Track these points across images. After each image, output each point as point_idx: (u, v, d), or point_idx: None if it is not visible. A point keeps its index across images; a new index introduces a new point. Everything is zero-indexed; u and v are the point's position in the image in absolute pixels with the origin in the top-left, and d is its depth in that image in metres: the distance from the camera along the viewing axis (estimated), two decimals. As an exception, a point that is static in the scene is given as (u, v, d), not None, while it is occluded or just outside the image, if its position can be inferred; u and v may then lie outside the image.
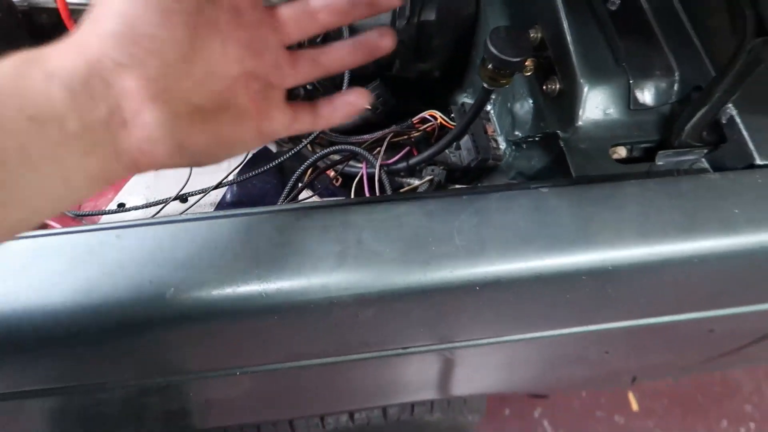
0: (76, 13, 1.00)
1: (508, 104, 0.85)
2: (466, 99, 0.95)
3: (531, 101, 0.80)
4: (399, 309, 0.54)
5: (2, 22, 0.84)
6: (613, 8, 0.67)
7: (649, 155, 0.65)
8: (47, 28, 1.04)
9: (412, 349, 0.62)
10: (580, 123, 0.65)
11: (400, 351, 0.62)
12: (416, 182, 0.84)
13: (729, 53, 0.54)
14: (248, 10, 0.38)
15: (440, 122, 0.87)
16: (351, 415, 0.88)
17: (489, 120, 0.87)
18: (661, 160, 0.63)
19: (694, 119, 0.59)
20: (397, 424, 0.93)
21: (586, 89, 0.64)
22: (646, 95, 0.65)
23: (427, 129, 0.88)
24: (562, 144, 0.64)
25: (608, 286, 0.57)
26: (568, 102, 0.67)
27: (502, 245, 0.53)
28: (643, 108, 0.65)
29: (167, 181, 0.84)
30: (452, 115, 0.87)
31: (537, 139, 0.77)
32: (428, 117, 0.88)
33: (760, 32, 0.47)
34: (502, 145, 0.87)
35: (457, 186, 0.83)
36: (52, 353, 0.50)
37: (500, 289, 0.54)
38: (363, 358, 0.62)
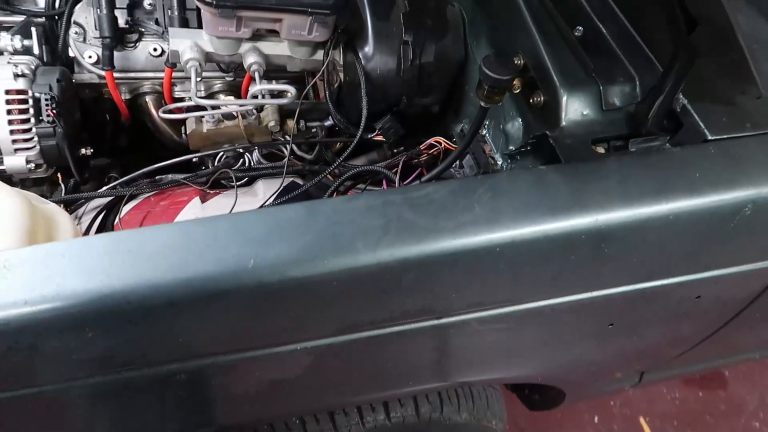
0: (118, 87, 1.16)
1: (501, 126, 1.00)
2: (464, 126, 1.10)
3: (520, 120, 0.95)
4: (434, 272, 0.65)
5: (65, 90, 0.99)
6: (579, 34, 0.83)
7: (623, 148, 0.79)
8: (88, 101, 1.19)
9: (446, 320, 0.73)
10: (563, 123, 0.79)
11: (435, 321, 0.73)
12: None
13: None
14: None
15: (444, 146, 1.02)
16: (387, 413, 0.96)
17: (485, 142, 1.02)
18: (634, 147, 0.77)
19: (653, 110, 0.74)
20: (429, 423, 1.01)
21: (565, 97, 0.79)
22: (614, 98, 0.80)
23: (434, 153, 1.03)
24: (551, 141, 0.78)
25: (604, 245, 0.69)
26: (552, 109, 0.81)
27: (513, 213, 0.65)
28: (613, 108, 0.80)
29: (212, 213, 0.97)
30: (454, 139, 1.02)
31: (528, 147, 0.91)
32: (434, 143, 1.02)
33: (691, 29, 0.62)
34: (500, 161, 1.01)
35: None
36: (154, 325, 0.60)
37: (516, 251, 0.65)
38: (403, 330, 0.72)
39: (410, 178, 1.00)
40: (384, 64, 0.97)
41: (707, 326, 0.95)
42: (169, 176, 1.05)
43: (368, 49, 0.96)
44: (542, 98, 0.83)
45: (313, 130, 1.07)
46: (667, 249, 0.73)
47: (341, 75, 1.03)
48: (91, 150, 1.06)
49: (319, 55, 1.02)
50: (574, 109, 0.80)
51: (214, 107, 0.94)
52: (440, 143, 1.02)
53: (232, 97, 0.96)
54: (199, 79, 1.14)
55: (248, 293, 0.60)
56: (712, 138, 0.72)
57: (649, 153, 0.72)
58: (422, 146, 1.03)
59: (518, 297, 0.73)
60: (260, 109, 1.01)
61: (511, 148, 0.97)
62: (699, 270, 0.79)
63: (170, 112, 0.92)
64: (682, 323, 0.92)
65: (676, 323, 0.92)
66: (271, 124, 0.99)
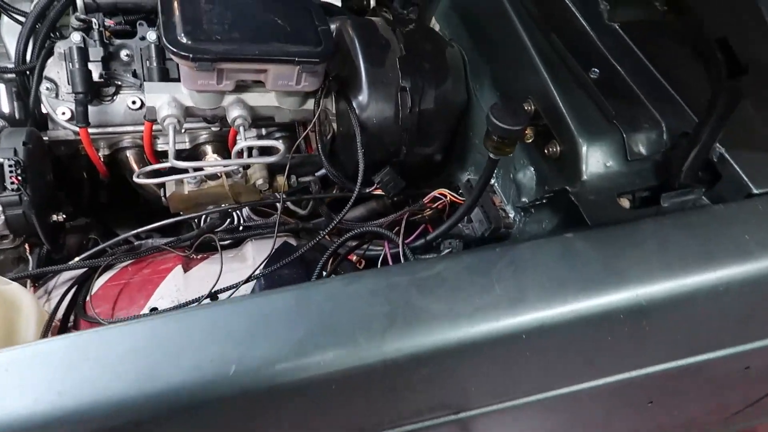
0: (94, 142, 1.08)
1: (511, 175, 0.91)
2: (470, 176, 1.01)
3: (532, 168, 0.86)
4: (450, 365, 0.55)
5: (34, 152, 0.91)
6: (595, 76, 0.75)
7: (653, 200, 0.71)
8: (65, 158, 1.11)
9: (465, 414, 0.63)
10: (585, 177, 0.71)
11: (452, 417, 0.62)
12: (433, 256, 0.87)
13: (706, 98, 0.60)
14: None
15: (450, 199, 0.93)
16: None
17: (495, 192, 0.93)
18: (666, 202, 0.68)
19: (688, 161, 0.65)
20: None
21: (585, 147, 0.71)
22: (640, 146, 0.71)
23: (439, 206, 0.94)
24: (573, 198, 0.69)
25: (645, 322, 0.59)
26: (570, 161, 0.73)
27: (540, 291, 0.56)
28: (639, 158, 0.71)
29: (196, 283, 0.87)
30: (460, 191, 0.93)
31: (544, 201, 0.82)
32: (439, 195, 0.93)
33: (732, 73, 0.54)
34: (511, 213, 0.92)
35: None
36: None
37: (545, 335, 0.56)
38: (414, 429, 0.62)
39: (413, 236, 0.91)
40: (380, 113, 0.89)
41: (754, 393, 0.85)
42: (149, 242, 0.95)
43: (362, 97, 0.88)
44: (558, 148, 0.75)
45: (305, 185, 0.98)
46: (715, 321, 0.64)
47: (334, 125, 0.95)
48: (64, 216, 0.97)
49: (310, 104, 0.94)
50: (596, 160, 0.71)
51: (195, 169, 0.85)
52: (445, 196, 0.93)
53: (215, 156, 0.88)
54: (183, 131, 1.06)
55: (230, 405, 0.50)
56: (758, 192, 0.64)
57: (689, 212, 0.63)
58: (426, 199, 0.94)
59: (547, 384, 0.63)
60: (247, 166, 0.92)
61: (524, 200, 0.88)
62: (749, 340, 0.70)
63: (148, 174, 0.83)
64: (727, 394, 0.82)
65: (721, 394, 0.81)
66: (259, 182, 0.90)
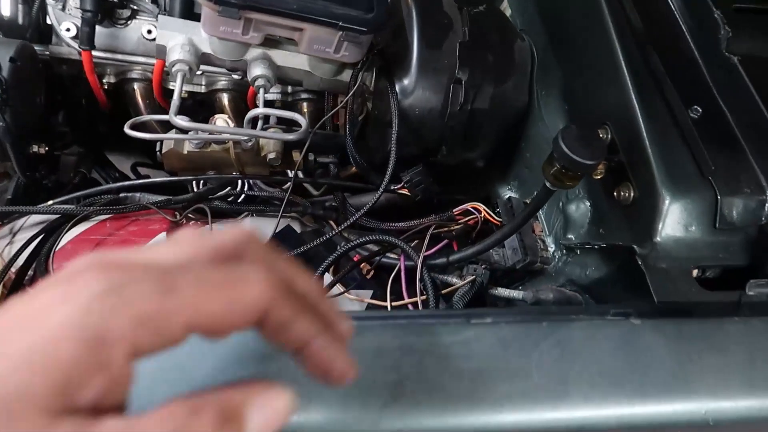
0: (99, 66, 0.96)
1: (561, 203, 0.78)
2: (511, 193, 0.88)
3: (588, 203, 0.73)
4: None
5: (22, 71, 0.78)
6: (695, 116, 0.61)
7: (734, 280, 0.58)
8: (66, 78, 0.99)
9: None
10: (658, 239, 0.58)
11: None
12: (457, 281, 0.75)
13: None
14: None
15: (485, 216, 0.80)
16: None
17: (536, 218, 0.80)
18: (753, 290, 0.55)
19: (796, 247, 0.52)
20: None
21: (668, 201, 0.58)
22: (734, 213, 0.58)
23: (469, 222, 0.81)
24: (639, 261, 0.57)
25: (705, 442, 0.47)
26: (645, 213, 0.59)
27: (587, 386, 0.44)
28: (729, 227, 0.58)
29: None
30: (497, 209, 0.80)
31: (596, 247, 0.69)
32: (471, 210, 0.81)
33: None
34: (551, 248, 0.79)
35: (534, 306, 0.72)
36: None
37: (582, 439, 0.44)
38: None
39: (434, 249, 0.79)
40: (425, 103, 0.75)
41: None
42: (137, 196, 0.84)
43: (408, 81, 0.74)
44: (632, 194, 0.61)
45: (323, 165, 0.86)
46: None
47: (369, 105, 0.82)
48: (46, 148, 0.86)
49: (346, 75, 0.80)
50: (677, 221, 0.58)
51: (196, 131, 0.73)
52: (480, 211, 0.81)
53: (226, 117, 0.75)
54: (199, 72, 0.93)
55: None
56: None
57: (790, 319, 0.50)
58: (456, 210, 0.81)
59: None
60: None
61: (570, 236, 0.75)
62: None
63: (139, 127, 0.70)
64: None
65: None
66: (272, 155, 0.78)
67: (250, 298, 0.25)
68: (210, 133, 0.71)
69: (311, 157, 0.84)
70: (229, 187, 0.85)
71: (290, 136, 0.72)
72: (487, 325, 0.45)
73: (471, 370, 0.43)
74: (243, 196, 0.86)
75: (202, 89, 0.98)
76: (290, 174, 0.83)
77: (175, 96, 0.69)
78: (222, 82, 0.96)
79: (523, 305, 0.76)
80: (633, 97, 0.63)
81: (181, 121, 0.65)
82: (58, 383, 0.21)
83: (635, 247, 0.58)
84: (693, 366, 0.46)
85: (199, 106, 1.00)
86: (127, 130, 0.68)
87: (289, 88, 0.97)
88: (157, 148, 0.78)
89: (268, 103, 0.81)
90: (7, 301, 0.24)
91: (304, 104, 0.97)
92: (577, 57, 0.75)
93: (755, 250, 0.58)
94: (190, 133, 0.73)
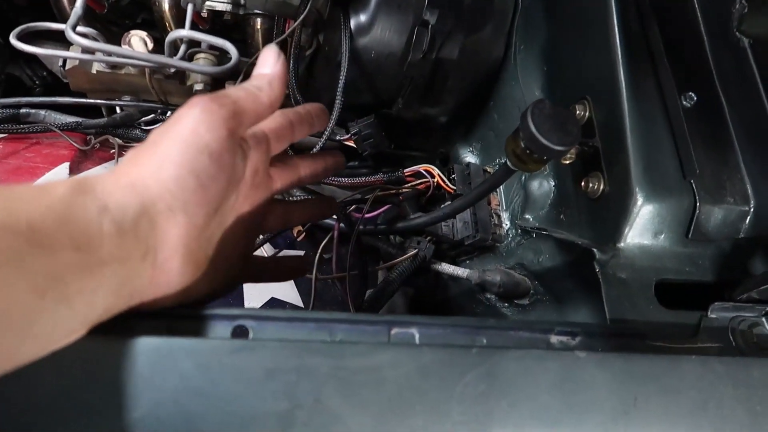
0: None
1: (523, 177, 0.70)
2: (471, 156, 0.79)
3: (553, 183, 0.65)
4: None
5: None
6: (689, 104, 0.52)
7: (695, 300, 0.52)
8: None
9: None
10: (622, 245, 0.51)
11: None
12: (397, 252, 0.67)
13: None
14: (260, 171, 0.39)
15: (438, 181, 0.72)
16: None
17: (495, 192, 0.72)
18: (715, 313, 0.49)
19: (771, 274, 0.46)
20: None
21: (640, 202, 0.50)
22: (711, 224, 0.51)
23: (420, 186, 0.72)
24: (597, 268, 0.50)
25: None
26: (611, 212, 0.52)
27: (513, 427, 0.37)
28: (702, 239, 0.51)
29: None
30: (453, 176, 0.72)
31: (552, 235, 0.62)
32: (423, 172, 0.72)
33: None
34: (505, 224, 0.72)
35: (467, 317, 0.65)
36: None
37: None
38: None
39: (375, 212, 0.70)
40: (383, 46, 0.64)
41: None
42: (42, 114, 0.71)
43: (366, 17, 0.62)
44: (601, 187, 0.54)
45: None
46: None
47: (320, 39, 0.69)
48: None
49: (297, -2, 0.67)
50: (647, 225, 0.51)
51: (92, 51, 0.59)
52: (433, 175, 0.72)
53: (141, 36, 0.61)
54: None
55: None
56: None
57: (751, 362, 0.45)
58: (407, 172, 0.72)
59: None
60: (190, 58, 0.67)
61: (527, 216, 0.68)
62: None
63: (27, 38, 0.57)
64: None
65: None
66: (198, 87, 0.66)
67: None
68: (115, 57, 0.59)
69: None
70: (152, 115, 0.73)
71: (213, 69, 0.60)
72: (406, 348, 0.37)
73: (380, 401, 0.36)
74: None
75: (228, 8, 0.78)
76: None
77: (79, 2, 0.56)
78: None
79: (467, 283, 0.70)
80: (620, 70, 0.54)
81: (79, 37, 0.52)
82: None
83: (595, 251, 0.51)
84: (637, 411, 0.40)
85: (230, 30, 0.81)
86: (13, 41, 0.55)
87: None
88: (59, 63, 0.65)
89: (216, 15, 0.68)
90: None
91: (258, 21, 0.83)
92: (566, 10, 0.64)
93: (725, 267, 0.52)
94: (97, 54, 0.60)
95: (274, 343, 0.36)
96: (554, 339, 0.44)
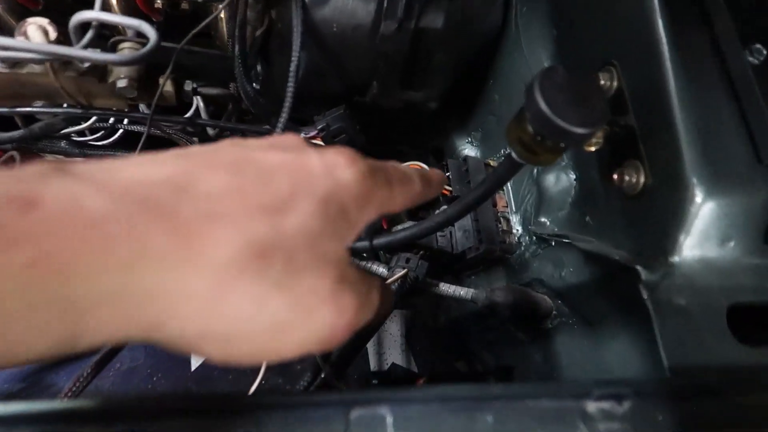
0: None
1: (535, 170, 0.56)
2: (470, 148, 0.65)
3: (574, 176, 0.52)
4: None
5: None
6: (758, 61, 0.38)
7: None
8: None
9: None
10: (677, 258, 0.37)
11: None
12: (383, 271, 0.54)
13: None
14: None
15: (428, 183, 0.58)
16: None
17: (501, 191, 0.58)
18: (814, 347, 0.35)
19: None
20: None
21: (699, 198, 0.36)
22: (800, 224, 0.37)
23: (408, 189, 0.58)
24: (644, 293, 0.36)
25: None
26: (659, 213, 0.38)
27: None
28: (788, 245, 0.37)
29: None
30: (448, 173, 0.58)
31: (574, 244, 0.48)
32: (412, 172, 0.58)
33: None
34: (516, 231, 0.58)
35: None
36: None
37: None
38: None
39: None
40: (347, 17, 0.50)
41: None
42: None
43: (323, -20, 0.49)
44: (642, 180, 0.40)
45: (213, 98, 0.61)
46: None
47: (273, 14, 0.56)
48: None
49: (239, -34, 0.54)
50: (711, 231, 0.37)
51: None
52: (423, 175, 0.58)
53: (42, 24, 0.48)
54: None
55: None
56: None
57: None
58: (391, 172, 0.59)
59: None
60: (113, 47, 0.54)
61: (543, 219, 0.54)
62: None
63: None
64: None
65: None
66: (121, 83, 0.52)
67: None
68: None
69: (189, 86, 0.59)
70: (86, 123, 0.61)
71: (113, 57, 0.46)
72: (398, 400, 0.25)
73: None
74: (102, 133, 0.61)
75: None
76: (144, 112, 0.58)
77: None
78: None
79: (473, 304, 0.56)
80: (659, 22, 0.40)
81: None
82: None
83: (639, 269, 0.37)
84: None
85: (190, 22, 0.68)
86: None
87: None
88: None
89: (172, 5, 0.56)
90: None
91: (221, 10, 0.70)
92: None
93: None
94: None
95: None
96: (592, 407, 0.31)
